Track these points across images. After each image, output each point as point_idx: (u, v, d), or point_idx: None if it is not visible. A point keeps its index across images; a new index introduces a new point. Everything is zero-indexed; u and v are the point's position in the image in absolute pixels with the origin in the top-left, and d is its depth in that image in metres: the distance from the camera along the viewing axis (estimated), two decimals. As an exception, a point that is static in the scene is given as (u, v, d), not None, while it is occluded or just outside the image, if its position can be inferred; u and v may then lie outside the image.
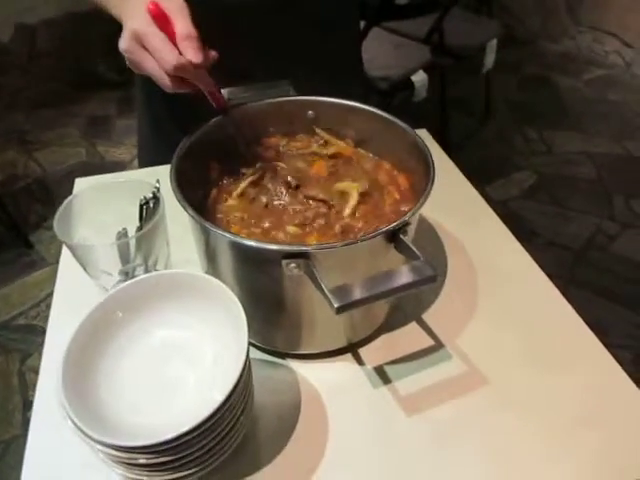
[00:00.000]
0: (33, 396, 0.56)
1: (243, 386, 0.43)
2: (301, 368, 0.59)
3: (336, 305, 0.40)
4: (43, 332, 0.61)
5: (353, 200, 0.58)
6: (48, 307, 0.66)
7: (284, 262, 0.45)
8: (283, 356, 0.60)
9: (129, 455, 0.39)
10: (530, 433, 0.54)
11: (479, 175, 0.87)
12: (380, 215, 0.58)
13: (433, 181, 0.51)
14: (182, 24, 0.52)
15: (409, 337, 0.63)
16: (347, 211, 0.57)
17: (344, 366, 0.60)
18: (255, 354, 0.60)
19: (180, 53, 0.51)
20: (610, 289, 1.83)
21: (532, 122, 2.64)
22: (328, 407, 0.56)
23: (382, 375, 0.59)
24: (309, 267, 0.45)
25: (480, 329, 0.64)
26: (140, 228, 0.51)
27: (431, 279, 0.43)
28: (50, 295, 0.67)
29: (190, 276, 0.48)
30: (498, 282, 0.70)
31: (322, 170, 0.64)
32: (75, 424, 0.38)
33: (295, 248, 0.44)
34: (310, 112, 0.67)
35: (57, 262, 0.71)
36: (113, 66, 2.91)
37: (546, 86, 2.95)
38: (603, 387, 0.58)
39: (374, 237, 0.46)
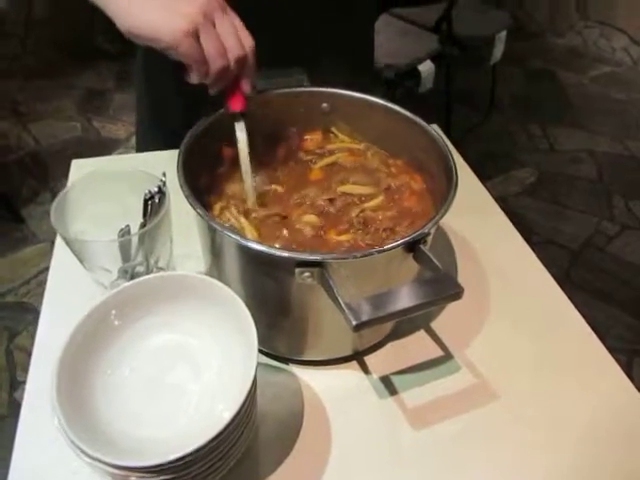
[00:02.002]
0: (21, 376, 0.53)
1: (250, 400, 0.41)
2: (304, 374, 0.57)
3: (354, 323, 0.37)
4: (33, 310, 0.59)
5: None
6: (38, 285, 0.63)
7: (297, 270, 0.42)
8: (286, 361, 0.58)
9: (125, 473, 0.36)
10: (540, 450, 0.52)
11: (479, 170, 0.85)
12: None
13: (455, 191, 0.48)
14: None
15: (417, 346, 0.60)
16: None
17: (349, 374, 0.58)
18: (257, 357, 0.58)
19: None
20: (606, 291, 1.82)
21: (536, 118, 2.61)
22: (332, 417, 0.54)
23: (388, 385, 0.57)
24: (324, 276, 0.42)
25: (490, 340, 0.62)
26: (144, 225, 0.48)
27: (456, 296, 0.40)
28: (41, 273, 0.64)
29: (195, 279, 0.45)
30: (509, 290, 0.67)
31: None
32: (70, 439, 0.35)
33: (310, 257, 0.42)
34: (325, 104, 0.63)
35: (48, 239, 0.68)
36: (112, 37, 2.83)
37: (551, 81, 2.91)
38: (616, 404, 0.56)
39: (393, 248, 0.43)
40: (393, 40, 1.91)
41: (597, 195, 2.21)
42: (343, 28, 0.82)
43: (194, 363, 0.45)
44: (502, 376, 0.58)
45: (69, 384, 0.39)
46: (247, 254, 0.45)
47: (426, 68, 1.84)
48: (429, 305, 0.40)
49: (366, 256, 0.42)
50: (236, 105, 0.55)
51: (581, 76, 2.95)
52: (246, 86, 0.54)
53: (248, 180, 0.56)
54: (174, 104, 0.85)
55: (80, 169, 0.82)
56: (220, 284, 0.44)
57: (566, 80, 2.91)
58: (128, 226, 0.48)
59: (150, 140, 0.94)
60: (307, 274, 0.42)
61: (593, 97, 2.79)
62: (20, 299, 1.70)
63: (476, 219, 0.76)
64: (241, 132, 0.56)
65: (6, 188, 1.97)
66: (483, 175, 0.85)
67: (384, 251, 0.42)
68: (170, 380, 0.44)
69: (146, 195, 0.48)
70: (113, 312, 0.43)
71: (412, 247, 0.44)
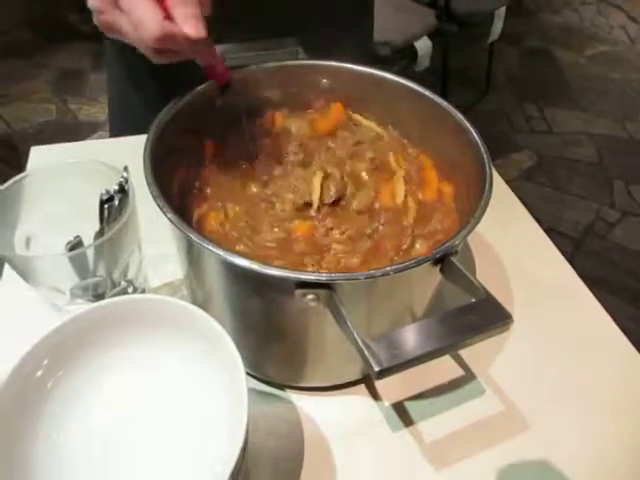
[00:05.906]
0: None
1: (244, 452, 0.31)
2: (304, 403, 0.48)
3: (376, 369, 0.28)
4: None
5: None
6: None
7: (298, 292, 0.33)
8: (282, 387, 0.49)
9: None
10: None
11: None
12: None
13: (490, 191, 0.39)
14: None
15: (434, 366, 0.49)
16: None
17: (357, 402, 0.49)
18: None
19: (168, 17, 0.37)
20: (608, 280, 1.75)
21: (533, 98, 2.53)
22: (336, 454, 0.45)
23: (402, 414, 0.48)
24: (332, 300, 0.33)
25: (518, 356, 0.53)
26: (101, 233, 0.38)
27: (503, 328, 0.31)
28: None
29: (165, 304, 0.35)
30: (537, 296, 0.59)
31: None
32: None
33: (314, 277, 0.32)
34: (324, 81, 0.53)
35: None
36: (87, 15, 2.67)
37: (547, 60, 2.82)
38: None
39: (418, 264, 0.33)
40: (387, 15, 1.79)
41: (597, 179, 2.14)
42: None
43: (168, 410, 0.35)
44: (533, 401, 0.50)
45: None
46: (233, 272, 0.36)
47: (423, 45, 1.73)
48: (470, 342, 0.31)
49: (385, 275, 0.32)
50: (215, 80, 0.46)
51: (578, 55, 2.86)
52: (208, 60, 0.44)
53: None
54: (150, 77, 0.75)
55: (41, 157, 0.72)
56: (203, 314, 0.34)
57: (562, 59, 2.82)
58: (79, 237, 0.38)
59: (126, 122, 0.85)
60: (311, 296, 0.33)
61: (590, 77, 2.71)
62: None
63: (495, 216, 0.67)
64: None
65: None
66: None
67: (406, 269, 0.33)
68: (139, 441, 0.34)
69: (103, 196, 0.38)
70: (45, 362, 0.32)
71: (441, 259, 0.35)
